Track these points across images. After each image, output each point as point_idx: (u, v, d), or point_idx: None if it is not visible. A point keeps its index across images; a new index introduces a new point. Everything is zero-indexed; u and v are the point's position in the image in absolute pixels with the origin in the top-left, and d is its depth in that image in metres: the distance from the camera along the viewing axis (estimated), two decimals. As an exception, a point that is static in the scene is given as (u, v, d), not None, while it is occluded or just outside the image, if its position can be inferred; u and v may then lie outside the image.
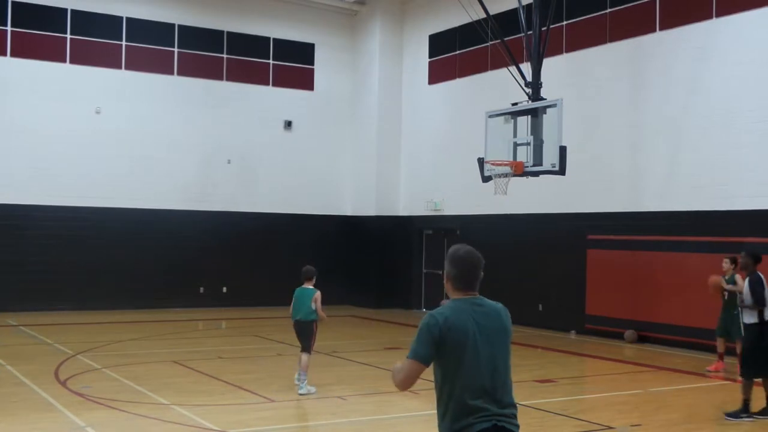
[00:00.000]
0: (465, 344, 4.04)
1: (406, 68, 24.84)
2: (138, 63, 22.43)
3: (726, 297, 13.08)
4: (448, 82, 23.28)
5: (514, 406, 4.14)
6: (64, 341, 15.71)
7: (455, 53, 23.02)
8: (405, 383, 4.13)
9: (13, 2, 20.91)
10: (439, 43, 23.72)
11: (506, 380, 4.16)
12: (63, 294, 21.00)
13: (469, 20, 18.90)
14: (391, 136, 24.67)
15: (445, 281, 4.31)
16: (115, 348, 15.23)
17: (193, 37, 23.27)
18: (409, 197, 24.40)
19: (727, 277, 13.05)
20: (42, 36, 21.30)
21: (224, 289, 23.33)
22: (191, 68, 23.19)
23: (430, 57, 24.04)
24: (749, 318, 10.04)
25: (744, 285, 10.95)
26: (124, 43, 22.30)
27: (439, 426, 4.16)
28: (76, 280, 21.18)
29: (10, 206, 20.58)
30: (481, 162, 16.55)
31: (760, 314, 9.89)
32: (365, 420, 9.88)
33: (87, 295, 21.22)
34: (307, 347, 11.09)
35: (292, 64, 24.79)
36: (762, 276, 10.13)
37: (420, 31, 24.40)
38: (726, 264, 13.19)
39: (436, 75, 23.75)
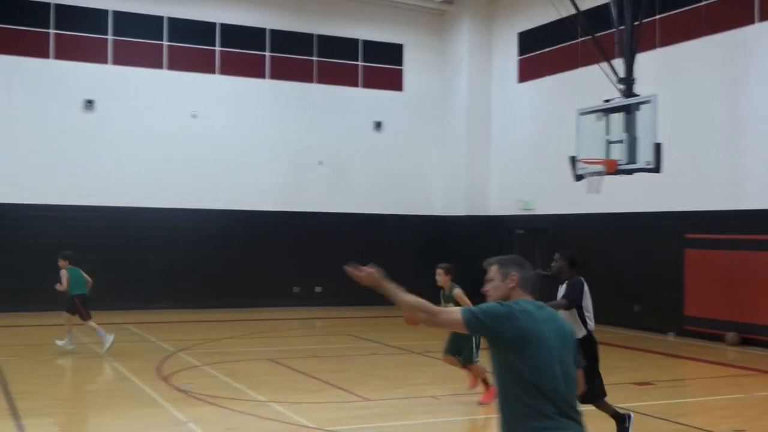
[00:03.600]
0: (544, 341, 3.96)
1: (495, 67, 24.70)
2: (231, 68, 22.99)
3: None
4: (538, 80, 23.04)
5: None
6: (166, 339, 16.22)
7: (545, 50, 22.77)
8: (427, 321, 4.05)
9: (114, 12, 21.71)
10: (528, 40, 23.50)
11: (575, 386, 4.09)
12: (163, 293, 21.64)
13: (559, 17, 18.68)
14: (481, 135, 24.57)
15: (507, 282, 4.27)
16: (213, 346, 15.63)
17: (284, 41, 23.70)
18: (499, 196, 24.24)
19: (446, 292, 10.72)
20: (141, 44, 22.04)
21: (317, 289, 23.65)
22: (282, 71, 23.62)
23: (519, 55, 23.83)
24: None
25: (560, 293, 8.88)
26: (218, 48, 22.88)
27: (504, 425, 4.05)
28: (175, 280, 21.82)
29: (115, 209, 21.37)
30: (573, 160, 16.34)
31: (585, 325, 8.48)
32: (457, 420, 9.90)
33: (185, 295, 21.82)
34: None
35: (381, 65, 24.97)
36: (584, 281, 8.63)
37: (509, 29, 24.22)
38: (440, 276, 10.74)
39: (526, 73, 23.55)
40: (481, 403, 10.35)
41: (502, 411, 4.09)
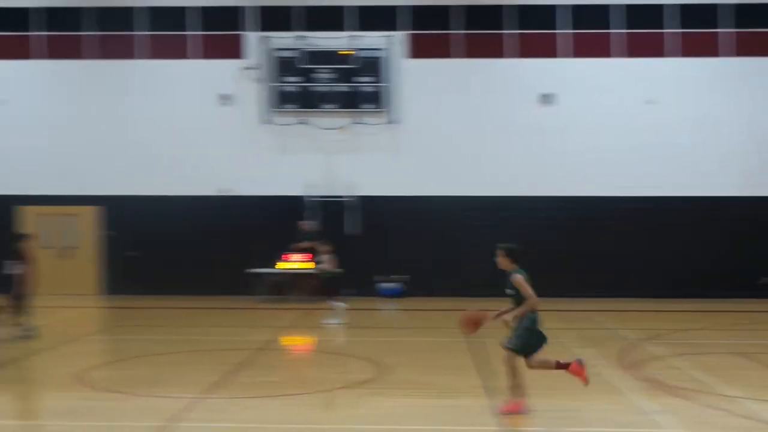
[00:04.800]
0: None
1: None
2: (688, 49, 22.17)
3: None
4: None
5: None
6: (627, 327, 16.24)
7: None
8: None
9: (572, 6, 22.25)
10: None
11: None
12: (624, 281, 21.65)
13: None
14: None
15: None
16: (675, 336, 15.27)
17: (746, 14, 22.13)
18: None
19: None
20: (595, 34, 22.27)
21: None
22: (743, 47, 22.12)
23: None
24: None
25: None
26: (671, 30, 22.22)
27: None
28: (633, 269, 21.71)
29: (577, 199, 21.93)
30: None
31: None
32: None
33: (643, 283, 21.63)
34: None
35: None
36: None
37: None
38: (499, 257, 9.27)
39: None
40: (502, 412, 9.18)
41: None
